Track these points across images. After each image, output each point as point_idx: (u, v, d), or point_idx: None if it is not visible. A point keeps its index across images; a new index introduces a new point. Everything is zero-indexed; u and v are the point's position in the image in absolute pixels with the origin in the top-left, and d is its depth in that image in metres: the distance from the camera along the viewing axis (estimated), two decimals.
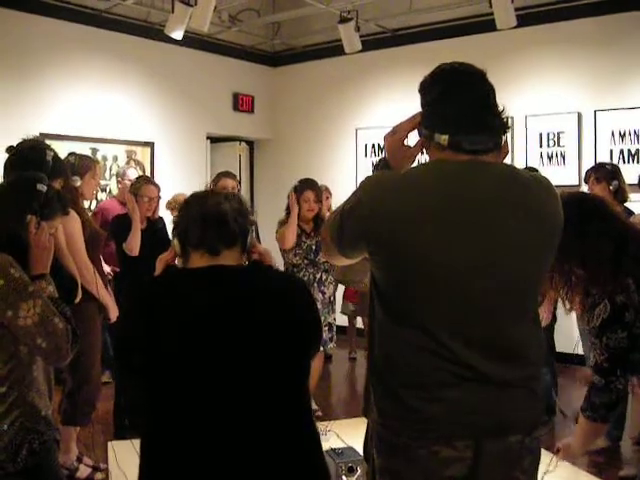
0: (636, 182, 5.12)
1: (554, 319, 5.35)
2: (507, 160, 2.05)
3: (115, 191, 7.20)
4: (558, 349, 5.51)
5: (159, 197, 5.20)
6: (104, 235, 4.54)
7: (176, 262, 1.99)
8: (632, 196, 5.03)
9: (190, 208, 1.91)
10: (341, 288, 7.05)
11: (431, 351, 1.83)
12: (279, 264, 5.02)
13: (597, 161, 6.59)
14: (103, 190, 7.37)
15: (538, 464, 1.98)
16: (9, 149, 3.56)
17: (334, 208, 2.17)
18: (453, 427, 1.83)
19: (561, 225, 1.99)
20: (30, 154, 3.54)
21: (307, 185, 5.46)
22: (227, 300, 1.78)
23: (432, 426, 1.84)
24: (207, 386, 1.75)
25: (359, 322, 7.58)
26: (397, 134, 2.03)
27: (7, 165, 3.52)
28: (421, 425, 1.84)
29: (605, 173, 4.80)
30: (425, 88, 1.97)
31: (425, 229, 1.80)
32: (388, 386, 1.91)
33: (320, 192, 5.55)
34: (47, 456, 2.29)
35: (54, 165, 3.56)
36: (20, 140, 3.67)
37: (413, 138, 2.02)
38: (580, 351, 5.04)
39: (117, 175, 7.12)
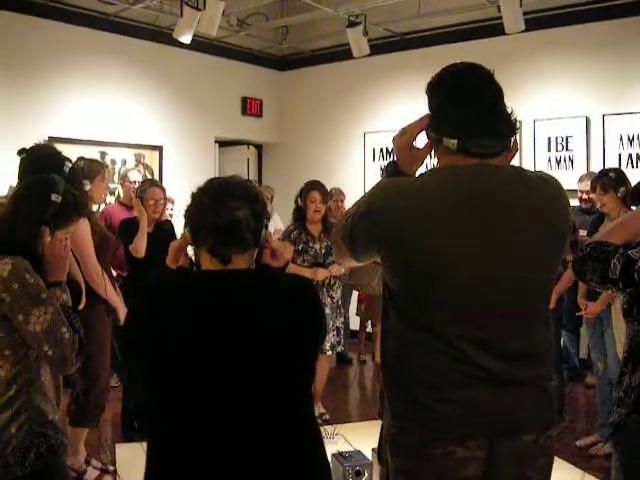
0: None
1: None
2: (515, 164, 2.05)
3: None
4: None
5: (165, 199, 5.23)
6: (113, 238, 4.57)
7: (189, 249, 1.97)
8: None
9: (204, 209, 1.83)
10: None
11: (443, 352, 1.84)
12: None
13: (606, 165, 6.57)
14: (112, 194, 7.38)
15: (552, 463, 1.99)
16: (21, 151, 3.57)
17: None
18: (466, 427, 1.85)
19: (569, 224, 2.00)
20: (49, 163, 3.52)
21: (312, 186, 5.44)
22: (233, 304, 1.78)
23: (446, 426, 1.85)
24: (210, 388, 1.76)
25: (369, 325, 7.61)
26: (405, 136, 2.02)
27: (22, 170, 3.54)
28: (435, 425, 1.86)
29: (610, 181, 4.76)
30: (432, 90, 1.98)
31: (434, 233, 1.81)
32: (401, 387, 1.92)
33: (327, 193, 5.53)
34: (55, 459, 2.30)
35: (70, 177, 3.57)
36: (33, 144, 3.67)
37: (421, 140, 2.01)
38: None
39: (119, 177, 7.16)
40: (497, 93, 1.93)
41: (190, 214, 1.88)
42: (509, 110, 1.92)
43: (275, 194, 7.83)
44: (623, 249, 2.10)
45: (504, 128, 1.90)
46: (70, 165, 3.59)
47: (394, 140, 2.06)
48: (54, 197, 2.40)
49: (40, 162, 3.51)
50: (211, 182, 1.90)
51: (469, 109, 1.87)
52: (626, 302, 2.25)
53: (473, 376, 1.84)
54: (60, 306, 2.27)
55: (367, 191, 2.00)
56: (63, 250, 2.38)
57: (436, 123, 1.94)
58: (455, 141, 1.86)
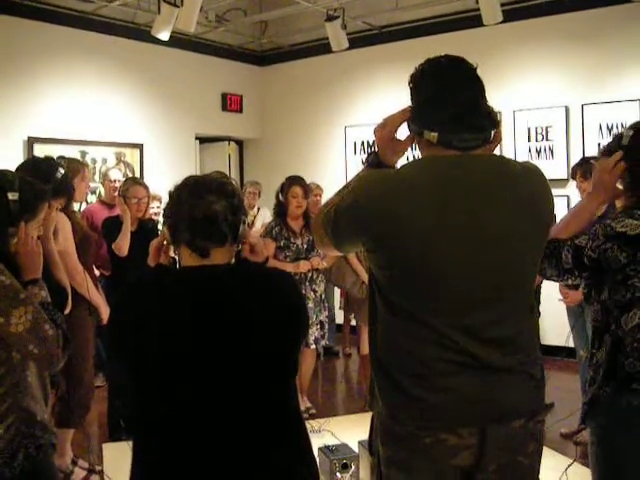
0: None
1: (538, 313, 5.38)
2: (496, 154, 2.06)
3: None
4: (549, 342, 5.56)
5: (149, 197, 5.21)
6: (95, 237, 4.55)
7: (170, 249, 1.98)
8: None
9: (181, 204, 1.85)
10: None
11: (432, 341, 1.86)
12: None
13: (585, 155, 6.62)
14: (92, 193, 7.35)
15: (541, 449, 2.02)
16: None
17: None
18: (457, 415, 1.86)
19: (552, 210, 2.02)
20: (42, 166, 3.58)
21: (294, 181, 5.45)
22: (213, 300, 1.79)
23: (437, 415, 1.86)
24: (193, 384, 1.76)
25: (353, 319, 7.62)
26: (387, 128, 2.04)
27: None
28: (426, 414, 1.87)
29: (591, 168, 4.83)
30: (416, 83, 1.98)
31: (419, 224, 1.82)
32: (391, 377, 1.93)
33: (308, 188, 5.54)
34: (44, 460, 2.29)
35: (61, 183, 3.59)
36: (31, 157, 3.71)
37: (403, 131, 2.02)
38: (570, 344, 5.07)
39: (100, 176, 7.14)
40: (480, 89, 1.94)
41: (168, 211, 1.90)
42: (490, 106, 1.94)
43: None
44: (570, 241, 2.22)
45: (485, 124, 1.92)
46: (63, 172, 3.63)
47: (375, 131, 2.07)
48: (11, 196, 2.34)
49: (34, 166, 3.54)
50: (188, 179, 1.93)
51: (451, 107, 1.88)
52: (584, 287, 2.34)
53: (464, 364, 1.86)
54: (39, 303, 2.25)
55: (351, 181, 2.01)
56: (36, 246, 2.36)
57: (418, 117, 1.95)
58: (436, 134, 1.88)
